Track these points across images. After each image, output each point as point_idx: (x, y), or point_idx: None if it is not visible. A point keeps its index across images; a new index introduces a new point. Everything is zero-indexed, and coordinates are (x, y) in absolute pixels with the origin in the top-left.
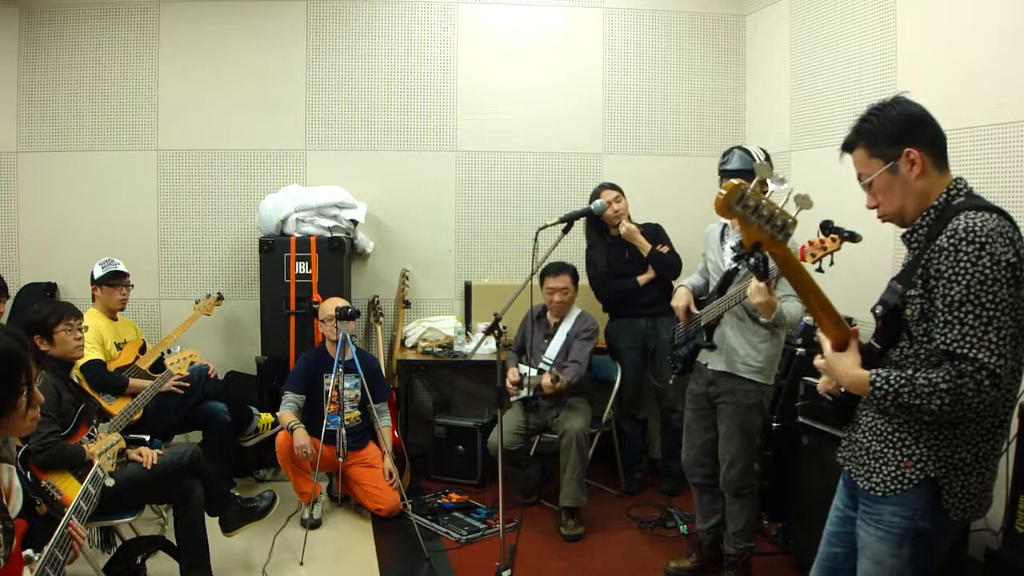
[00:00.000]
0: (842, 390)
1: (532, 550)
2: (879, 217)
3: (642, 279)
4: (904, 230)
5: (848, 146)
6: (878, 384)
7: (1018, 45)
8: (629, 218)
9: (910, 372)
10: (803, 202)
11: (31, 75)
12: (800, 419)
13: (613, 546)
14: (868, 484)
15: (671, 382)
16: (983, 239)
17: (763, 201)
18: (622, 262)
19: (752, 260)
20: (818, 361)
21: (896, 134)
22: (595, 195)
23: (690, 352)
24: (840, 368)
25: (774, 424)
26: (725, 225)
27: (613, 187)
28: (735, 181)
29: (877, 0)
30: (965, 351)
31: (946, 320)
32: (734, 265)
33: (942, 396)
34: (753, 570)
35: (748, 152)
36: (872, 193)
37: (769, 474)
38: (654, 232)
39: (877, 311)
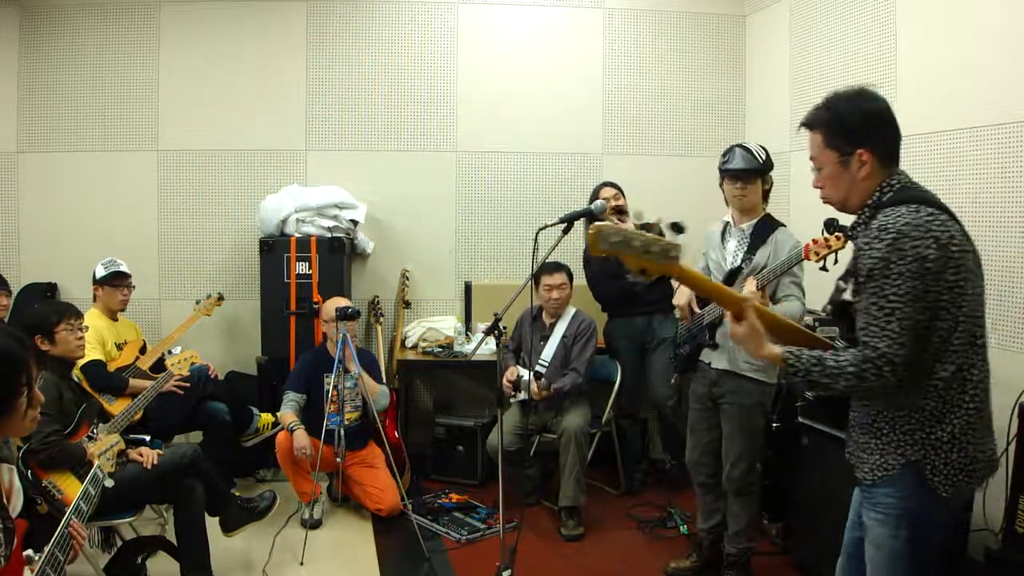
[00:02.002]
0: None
1: (532, 550)
2: (822, 199)
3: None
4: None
5: (807, 126)
6: (790, 361)
7: (1018, 45)
8: (627, 214)
9: (821, 353)
10: (676, 228)
11: (31, 75)
12: (800, 419)
13: (613, 546)
14: (862, 474)
15: (672, 381)
16: (892, 235)
17: (631, 235)
18: (620, 262)
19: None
20: (732, 330)
21: (853, 133)
22: (595, 193)
23: (692, 351)
24: (753, 345)
25: (774, 424)
26: (727, 224)
27: (613, 185)
28: (596, 225)
29: (877, 0)
30: (868, 339)
31: (861, 309)
32: (737, 264)
33: (848, 378)
34: (753, 570)
35: (749, 151)
36: (820, 177)
37: (769, 474)
38: (653, 231)
39: (827, 311)
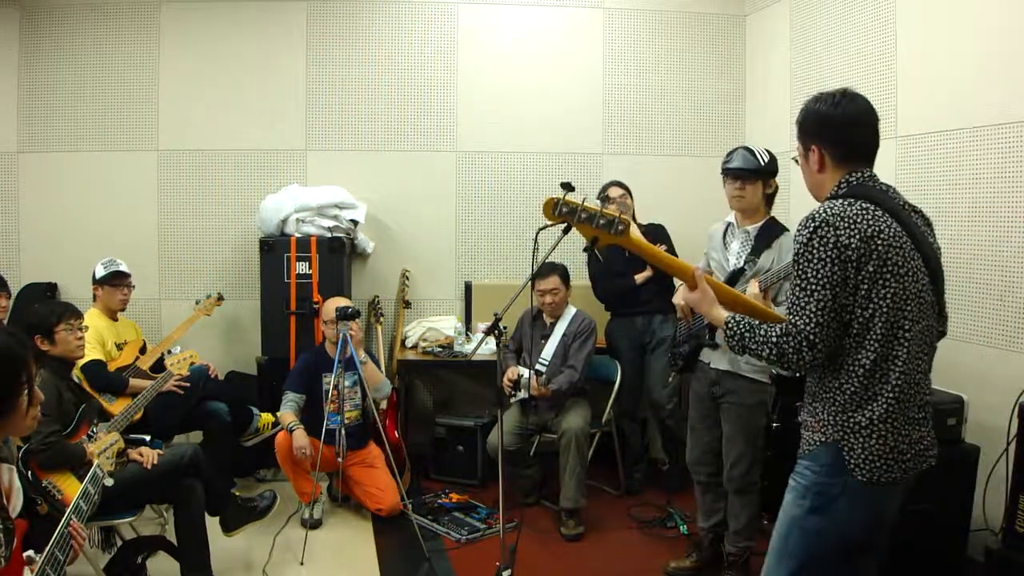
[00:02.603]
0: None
1: (532, 550)
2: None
3: (639, 277)
4: None
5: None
6: (730, 324)
7: (1018, 45)
8: (634, 217)
9: (759, 323)
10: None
11: (31, 75)
12: (800, 419)
13: (613, 546)
14: (799, 449)
15: (671, 380)
16: (816, 223)
17: (580, 206)
18: (621, 261)
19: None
20: (681, 296)
21: (809, 130)
22: (603, 191)
23: (692, 350)
24: (704, 307)
25: (774, 424)
26: (729, 224)
27: (621, 185)
28: (552, 196)
29: (877, 0)
30: (790, 316)
31: (788, 290)
32: (740, 264)
33: (770, 348)
34: (753, 569)
35: (751, 152)
36: (800, 167)
37: (769, 474)
38: (655, 232)
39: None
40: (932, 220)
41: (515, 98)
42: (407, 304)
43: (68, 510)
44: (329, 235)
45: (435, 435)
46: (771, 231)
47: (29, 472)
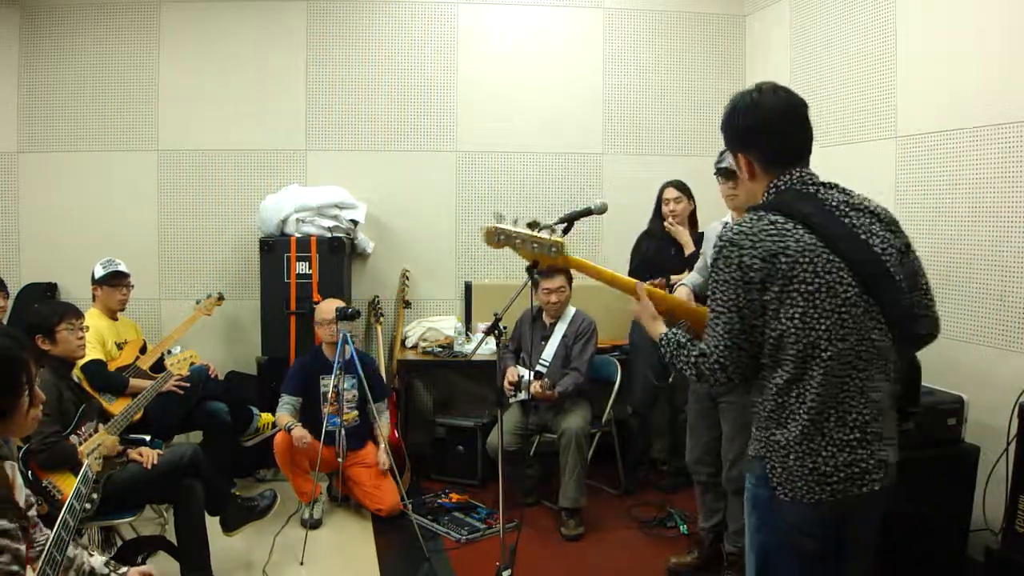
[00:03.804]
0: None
1: (532, 550)
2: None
3: (675, 278)
4: None
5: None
6: (663, 341)
7: (1018, 45)
8: (693, 220)
9: (686, 341)
10: (554, 227)
11: (31, 75)
12: None
13: (613, 546)
14: None
15: (670, 380)
16: (723, 243)
17: (514, 232)
18: (665, 258)
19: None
20: (632, 307)
21: (734, 139)
22: (660, 192)
23: None
24: (645, 321)
25: None
26: (725, 224)
27: (678, 187)
28: (486, 226)
29: (877, 0)
30: (704, 336)
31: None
32: None
33: (690, 368)
34: None
35: None
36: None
37: None
38: (700, 239)
39: None
40: (930, 219)
41: (515, 98)
42: (407, 304)
43: (63, 510)
44: (329, 235)
45: (435, 435)
46: None
47: (29, 472)
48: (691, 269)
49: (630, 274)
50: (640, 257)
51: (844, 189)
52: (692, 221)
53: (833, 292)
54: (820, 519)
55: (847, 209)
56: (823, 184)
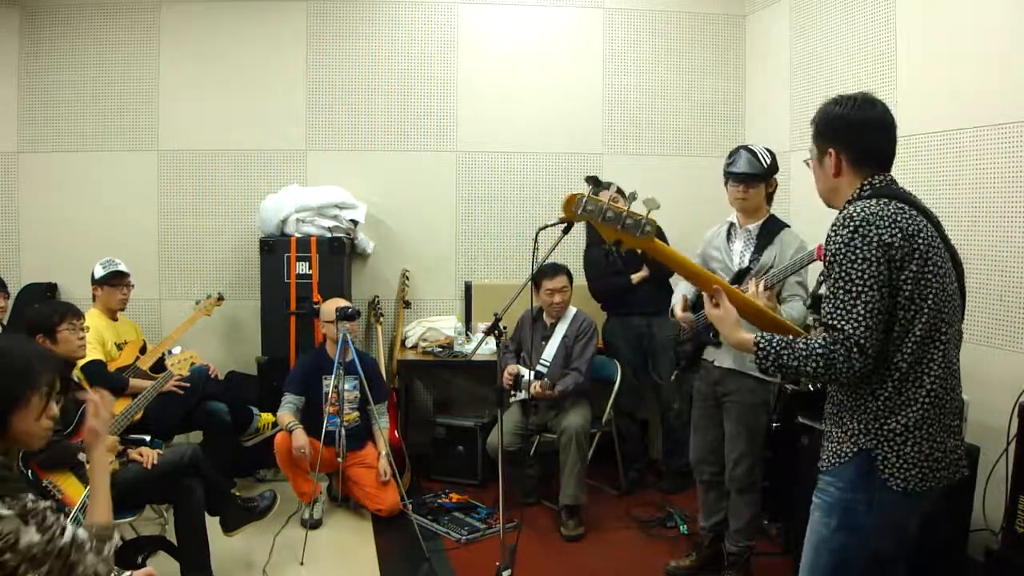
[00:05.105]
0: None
1: (532, 550)
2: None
3: (635, 277)
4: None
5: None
6: (761, 345)
7: (1018, 45)
8: None
9: (791, 338)
10: (650, 203)
11: (32, 75)
12: (800, 419)
13: (613, 546)
14: (820, 462)
15: (672, 378)
16: (857, 222)
17: (606, 205)
18: (618, 260)
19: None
20: (709, 311)
21: (826, 133)
22: (632, 192)
23: (695, 349)
24: (726, 329)
25: (774, 424)
26: (731, 225)
27: (617, 191)
28: (575, 193)
29: (877, 0)
30: (835, 322)
31: (827, 295)
32: (745, 265)
33: (816, 360)
34: (753, 570)
35: (754, 154)
36: (812, 170)
37: (769, 474)
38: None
39: (807, 303)
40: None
41: (515, 98)
42: (407, 304)
43: (74, 510)
44: (329, 235)
45: (435, 435)
46: (772, 228)
47: (29, 472)
48: (649, 268)
49: (588, 277)
50: (597, 269)
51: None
52: None
53: (950, 279)
54: (917, 509)
55: (930, 213)
56: (906, 190)
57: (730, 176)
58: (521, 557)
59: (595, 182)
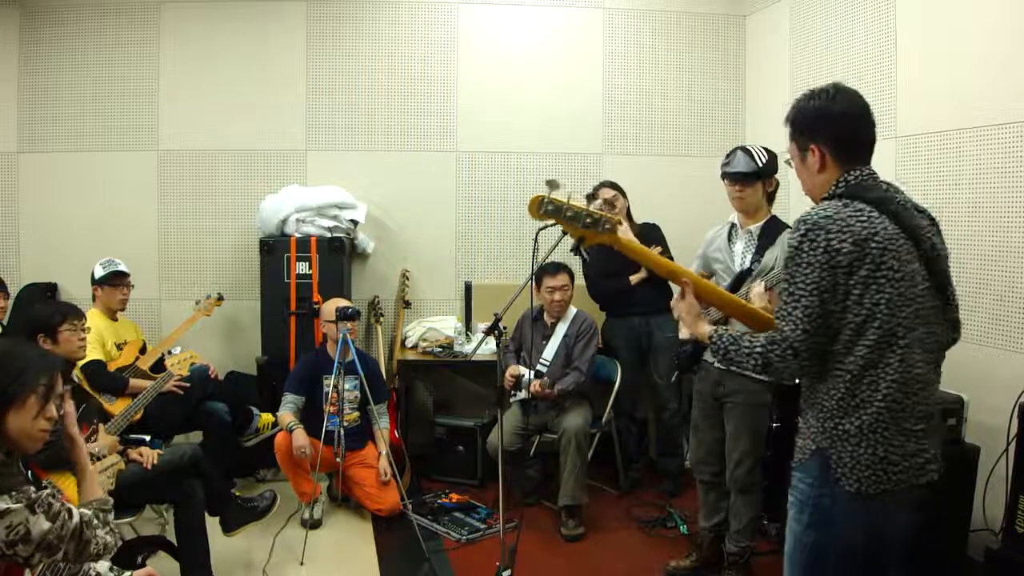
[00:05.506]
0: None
1: (532, 550)
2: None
3: (634, 279)
4: None
5: (787, 121)
6: (714, 339)
7: (1018, 45)
8: (629, 217)
9: (740, 334)
10: (551, 185)
11: (32, 75)
12: (800, 419)
13: (613, 546)
14: (793, 459)
15: (672, 379)
16: (808, 227)
17: (566, 204)
18: (616, 261)
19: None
20: (675, 302)
21: (806, 129)
22: (593, 193)
23: (695, 350)
24: (689, 320)
25: (774, 424)
26: (732, 226)
27: (613, 186)
28: (538, 195)
29: (877, 0)
30: (779, 323)
31: (778, 294)
32: (747, 266)
33: (755, 358)
34: (753, 570)
35: (750, 154)
36: (795, 171)
37: (769, 474)
38: (649, 231)
39: None
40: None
41: (515, 98)
42: (407, 304)
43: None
44: (329, 235)
45: (435, 435)
46: (773, 229)
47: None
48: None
49: (587, 277)
50: (596, 271)
51: (902, 191)
52: (628, 217)
53: (913, 282)
54: (881, 511)
55: (913, 209)
56: (887, 183)
57: (726, 175)
58: (521, 557)
59: (552, 184)
